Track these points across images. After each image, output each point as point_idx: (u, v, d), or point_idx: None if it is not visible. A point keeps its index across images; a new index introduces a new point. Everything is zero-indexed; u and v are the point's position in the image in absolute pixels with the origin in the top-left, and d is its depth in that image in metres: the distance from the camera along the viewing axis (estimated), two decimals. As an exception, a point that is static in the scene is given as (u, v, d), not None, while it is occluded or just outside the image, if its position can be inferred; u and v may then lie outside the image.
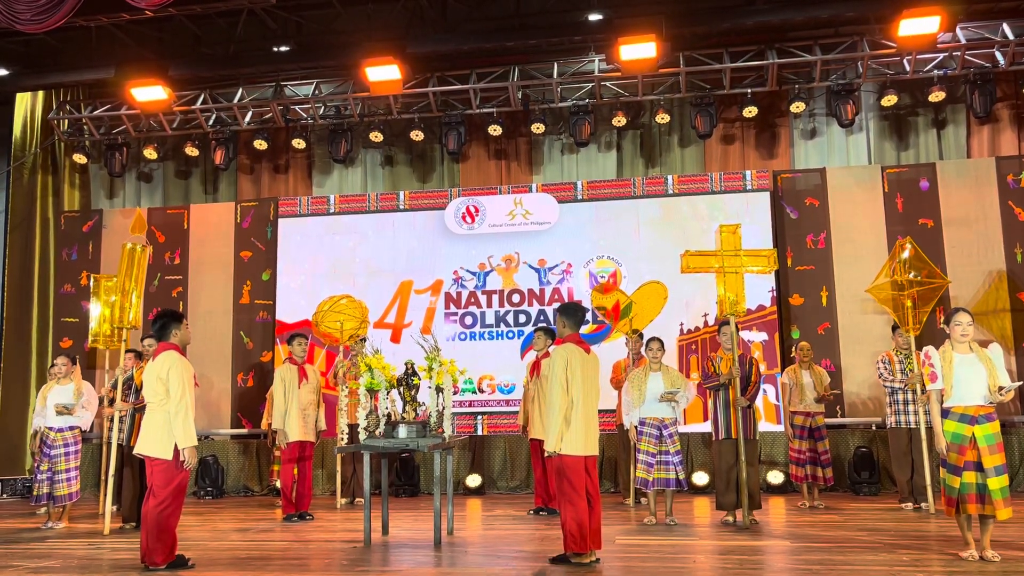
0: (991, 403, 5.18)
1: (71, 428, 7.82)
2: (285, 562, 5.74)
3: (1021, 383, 5.54)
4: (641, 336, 8.87)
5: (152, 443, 5.37)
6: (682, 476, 7.16)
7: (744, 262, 7.16)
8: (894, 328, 8.17)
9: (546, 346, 8.11)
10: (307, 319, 10.47)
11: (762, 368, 9.84)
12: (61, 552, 5.11)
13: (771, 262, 7.30)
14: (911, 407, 7.93)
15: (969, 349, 5.28)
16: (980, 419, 5.15)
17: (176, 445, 5.33)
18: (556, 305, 5.72)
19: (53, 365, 8.11)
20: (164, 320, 5.64)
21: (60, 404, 7.73)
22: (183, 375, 5.42)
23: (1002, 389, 5.14)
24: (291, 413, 7.95)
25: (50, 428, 7.77)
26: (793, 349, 8.58)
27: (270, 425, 9.04)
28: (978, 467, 5.08)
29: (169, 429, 5.34)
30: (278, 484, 8.41)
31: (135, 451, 5.53)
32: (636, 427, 7.32)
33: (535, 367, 8.08)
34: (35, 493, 7.77)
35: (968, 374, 5.20)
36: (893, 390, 8.04)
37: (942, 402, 5.27)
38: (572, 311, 5.54)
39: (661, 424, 7.23)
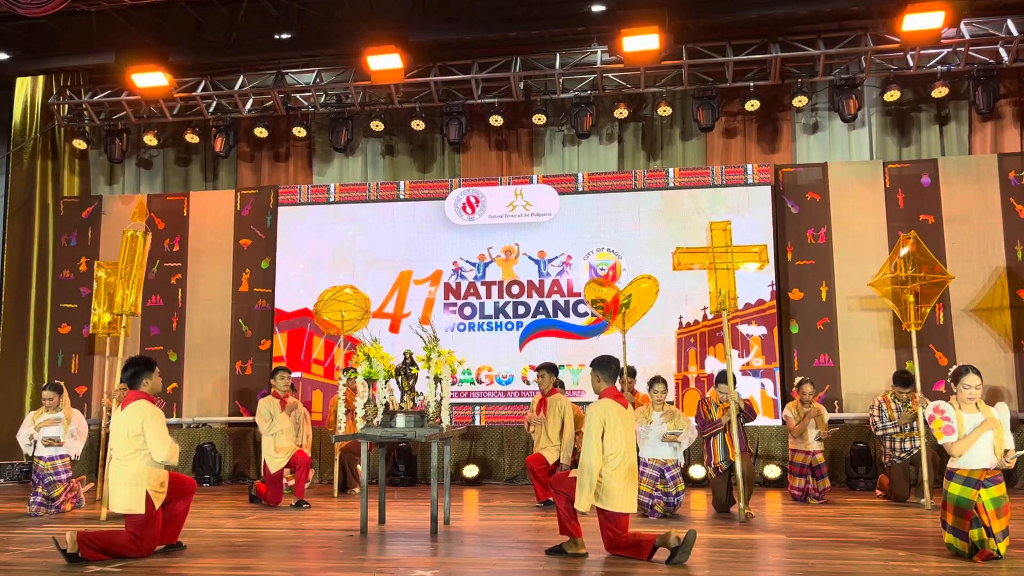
0: (996, 467, 5.08)
1: (61, 457, 7.84)
2: (281, 550, 5.75)
3: None
4: (634, 375, 8.81)
5: (124, 499, 5.24)
6: (679, 508, 7.27)
7: (735, 259, 7.13)
8: (898, 379, 8.12)
9: (551, 384, 8.11)
10: (306, 307, 10.49)
11: (760, 363, 9.93)
12: (57, 536, 5.11)
13: (761, 258, 7.25)
14: (907, 444, 7.99)
15: (976, 408, 5.15)
16: (986, 482, 5.05)
17: (149, 496, 5.22)
18: (591, 360, 5.65)
19: (44, 389, 8.15)
20: (136, 368, 5.44)
21: (47, 438, 7.78)
22: (159, 426, 5.30)
23: (1007, 453, 5.03)
24: (276, 445, 8.08)
25: (39, 457, 7.81)
26: (794, 388, 8.52)
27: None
28: (983, 525, 4.97)
29: (140, 481, 5.22)
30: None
31: (111, 508, 5.39)
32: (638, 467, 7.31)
33: (541, 405, 8.12)
34: (31, 510, 7.68)
35: (975, 436, 5.07)
36: (886, 435, 8.08)
37: (950, 457, 5.16)
38: (606, 364, 5.43)
39: (664, 467, 7.24)
